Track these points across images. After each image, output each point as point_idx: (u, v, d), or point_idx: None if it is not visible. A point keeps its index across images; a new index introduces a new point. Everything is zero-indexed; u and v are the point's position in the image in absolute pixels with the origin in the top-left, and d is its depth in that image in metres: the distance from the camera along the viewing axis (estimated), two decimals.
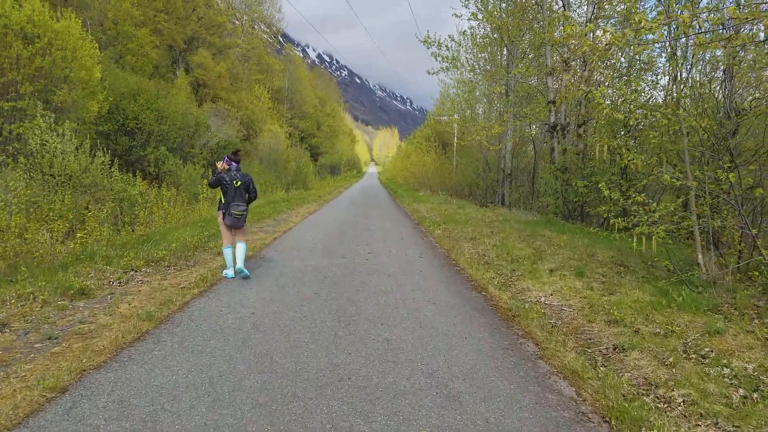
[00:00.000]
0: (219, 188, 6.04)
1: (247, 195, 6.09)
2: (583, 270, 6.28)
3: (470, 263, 6.94)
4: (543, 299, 5.19)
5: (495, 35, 17.86)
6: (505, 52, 18.84)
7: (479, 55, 19.46)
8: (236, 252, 5.99)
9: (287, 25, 42.75)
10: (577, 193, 11.01)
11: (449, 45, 16.25)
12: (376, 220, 12.86)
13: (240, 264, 5.93)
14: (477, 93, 23.31)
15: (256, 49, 38.69)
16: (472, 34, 19.10)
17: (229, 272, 6.00)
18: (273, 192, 23.19)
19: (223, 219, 5.95)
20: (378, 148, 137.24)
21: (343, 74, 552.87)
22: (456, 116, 30.38)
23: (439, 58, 16.27)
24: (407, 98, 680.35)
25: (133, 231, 11.04)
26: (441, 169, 26.73)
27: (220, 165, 5.95)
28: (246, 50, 37.48)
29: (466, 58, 18.86)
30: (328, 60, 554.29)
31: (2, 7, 11.98)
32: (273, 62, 42.68)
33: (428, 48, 17.09)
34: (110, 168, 12.94)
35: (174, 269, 6.45)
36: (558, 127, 14.82)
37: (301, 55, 67.88)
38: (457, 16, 12.61)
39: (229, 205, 5.87)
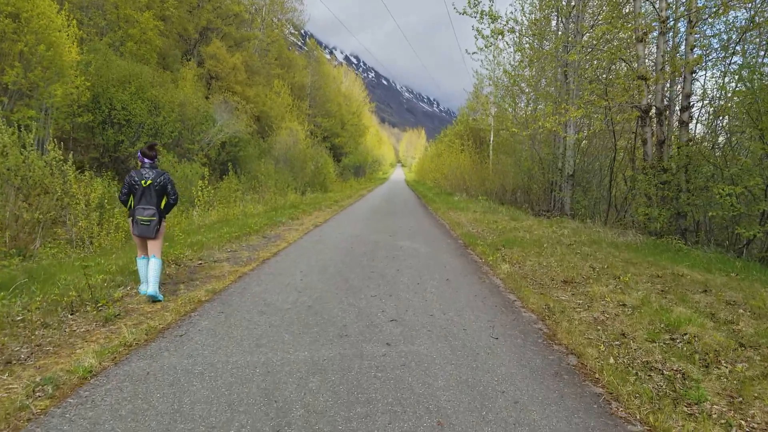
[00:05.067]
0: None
1: (164, 199, 4.89)
2: None
3: (614, 368, 3.14)
4: None
5: None
6: (561, 27, 14.92)
7: (525, 31, 15.50)
8: (149, 271, 4.74)
9: (309, 18, 39.29)
10: (723, 205, 7.01)
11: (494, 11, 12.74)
12: (405, 238, 9.13)
13: (153, 287, 4.69)
14: (523, 83, 19.37)
15: (277, 42, 35.69)
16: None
17: (143, 287, 4.86)
18: (284, 196, 19.81)
19: (132, 228, 4.85)
20: (405, 149, 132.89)
21: (371, 76, 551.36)
22: (493, 110, 26.51)
23: (486, 23, 12.69)
24: (434, 100, 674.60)
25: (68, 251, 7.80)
26: (479, 169, 22.81)
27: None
28: (266, 43, 34.48)
29: (518, 28, 14.99)
30: (356, 62, 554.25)
31: None
32: (295, 57, 39.70)
33: (474, 15, 13.68)
34: (64, 165, 9.93)
35: None
36: (652, 112, 10.83)
37: (328, 57, 64.89)
38: None
39: (134, 209, 4.75)
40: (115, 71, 16.72)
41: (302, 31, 45.44)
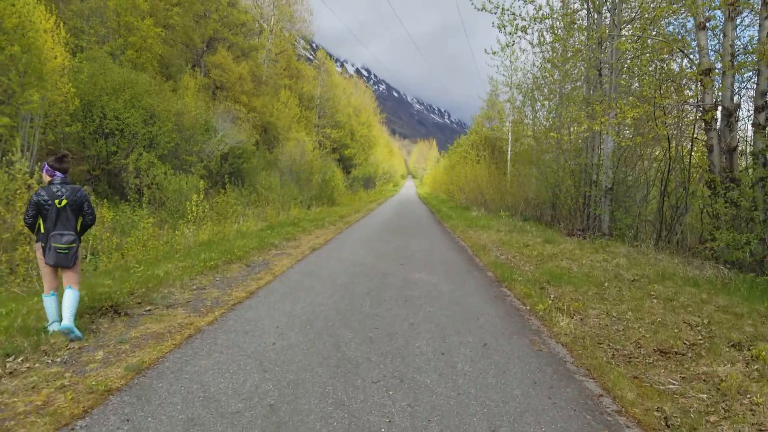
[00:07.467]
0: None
1: (80, 219, 4.13)
2: None
3: None
4: None
5: None
6: (592, 22, 13.23)
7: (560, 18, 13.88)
8: (64, 302, 3.91)
9: (318, 29, 38.12)
10: None
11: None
12: (420, 269, 7.39)
13: (68, 321, 3.84)
14: (545, 88, 17.68)
15: (285, 53, 34.63)
16: None
17: (55, 325, 3.96)
18: (287, 210, 18.24)
19: (44, 256, 3.93)
20: (415, 160, 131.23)
21: (381, 88, 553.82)
22: (511, 117, 24.85)
23: (507, 18, 11.26)
24: (445, 111, 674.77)
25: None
26: (498, 182, 21.03)
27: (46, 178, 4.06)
28: (274, 53, 33.42)
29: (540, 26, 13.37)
30: (366, 74, 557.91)
31: None
32: (304, 68, 38.61)
33: (494, 12, 12.39)
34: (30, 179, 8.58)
35: None
36: (719, 113, 9.02)
37: (339, 69, 64.16)
38: None
39: (48, 235, 3.91)
40: (109, 79, 15.45)
41: (312, 44, 44.51)
